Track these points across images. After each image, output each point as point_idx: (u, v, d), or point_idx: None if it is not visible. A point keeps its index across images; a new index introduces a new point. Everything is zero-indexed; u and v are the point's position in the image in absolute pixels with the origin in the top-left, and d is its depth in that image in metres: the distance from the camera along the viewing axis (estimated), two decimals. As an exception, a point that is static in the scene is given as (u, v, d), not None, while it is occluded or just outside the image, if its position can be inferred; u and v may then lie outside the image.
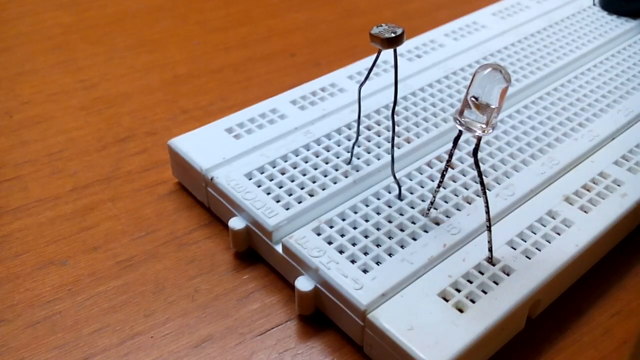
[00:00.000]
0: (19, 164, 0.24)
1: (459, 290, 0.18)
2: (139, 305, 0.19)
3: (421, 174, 0.21)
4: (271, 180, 0.21)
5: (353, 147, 0.22)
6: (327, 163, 0.22)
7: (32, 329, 0.18)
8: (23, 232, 0.21)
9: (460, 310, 0.17)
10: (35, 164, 0.24)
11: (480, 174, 0.17)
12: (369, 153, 0.22)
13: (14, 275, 0.20)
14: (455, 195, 0.21)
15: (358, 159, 0.22)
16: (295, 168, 0.21)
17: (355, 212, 0.20)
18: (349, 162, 0.22)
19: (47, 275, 0.20)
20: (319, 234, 0.19)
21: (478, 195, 0.20)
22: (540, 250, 0.19)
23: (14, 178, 0.24)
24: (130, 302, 0.19)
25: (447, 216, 0.20)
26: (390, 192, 0.21)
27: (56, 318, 0.19)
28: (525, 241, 0.19)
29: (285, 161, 0.22)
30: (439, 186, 0.19)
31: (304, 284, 0.18)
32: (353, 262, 0.18)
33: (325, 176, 0.21)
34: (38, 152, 0.25)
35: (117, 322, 0.19)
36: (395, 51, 0.18)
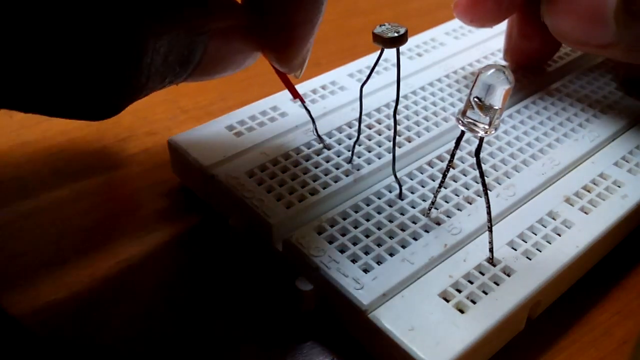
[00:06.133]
0: (19, 164, 0.24)
1: (459, 291, 0.18)
2: (139, 305, 0.19)
3: (422, 173, 0.21)
4: (272, 178, 0.21)
5: (354, 146, 0.22)
6: (328, 162, 0.22)
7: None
8: (23, 232, 0.21)
9: (461, 311, 0.17)
10: (35, 164, 0.24)
11: (482, 175, 0.18)
12: (369, 152, 0.22)
13: (14, 275, 0.20)
14: (456, 195, 0.21)
15: (359, 157, 0.22)
16: (296, 166, 0.21)
17: (356, 212, 0.20)
18: (349, 161, 0.22)
19: (46, 276, 0.20)
20: (319, 233, 0.19)
21: (479, 196, 0.20)
22: (540, 251, 0.19)
23: (14, 178, 0.23)
24: (130, 302, 0.19)
25: (448, 216, 0.20)
26: (391, 192, 0.21)
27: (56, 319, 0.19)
28: (526, 242, 0.19)
29: (286, 159, 0.22)
30: (440, 186, 0.19)
31: (304, 283, 0.18)
32: (354, 261, 0.18)
33: (326, 175, 0.21)
34: (38, 152, 0.25)
35: (118, 322, 0.19)
36: (397, 50, 0.18)
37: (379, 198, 0.20)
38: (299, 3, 0.18)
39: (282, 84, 0.22)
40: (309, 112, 0.22)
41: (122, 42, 0.14)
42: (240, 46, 0.18)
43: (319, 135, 0.22)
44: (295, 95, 0.21)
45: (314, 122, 0.22)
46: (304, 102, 0.22)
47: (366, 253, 0.18)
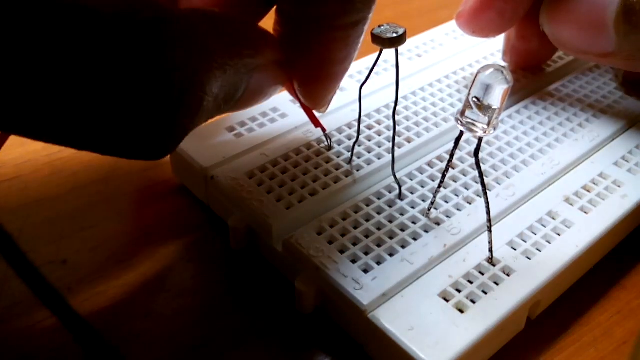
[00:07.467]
0: (19, 164, 0.24)
1: (459, 291, 0.18)
2: (139, 305, 0.19)
3: (422, 173, 0.21)
4: (272, 179, 0.21)
5: (354, 147, 0.22)
6: (327, 162, 0.22)
7: (32, 329, 0.18)
8: (23, 232, 0.21)
9: (461, 311, 0.17)
10: (35, 164, 0.24)
11: (481, 175, 0.18)
12: (369, 152, 0.22)
13: (13, 275, 0.20)
14: (456, 195, 0.21)
15: (358, 158, 0.22)
16: (296, 167, 0.21)
17: (356, 212, 0.20)
18: (349, 162, 0.22)
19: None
20: (319, 234, 0.19)
21: (478, 196, 0.20)
22: (540, 251, 0.19)
23: (14, 178, 0.23)
24: (130, 302, 0.19)
25: (447, 216, 0.20)
26: (390, 192, 0.21)
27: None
28: (526, 242, 0.19)
29: (286, 160, 0.22)
30: (439, 186, 0.19)
31: (304, 283, 0.18)
32: (353, 261, 0.18)
33: (326, 175, 0.21)
34: (38, 152, 0.25)
35: (117, 323, 0.19)
36: (396, 51, 0.18)
37: (379, 198, 0.20)
38: (342, 42, 0.18)
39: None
40: (328, 139, 0.22)
41: (187, 92, 0.14)
42: (274, 80, 0.19)
43: (329, 147, 0.22)
44: (317, 124, 0.22)
45: (330, 149, 0.22)
46: (325, 130, 0.22)
47: (366, 253, 0.18)
